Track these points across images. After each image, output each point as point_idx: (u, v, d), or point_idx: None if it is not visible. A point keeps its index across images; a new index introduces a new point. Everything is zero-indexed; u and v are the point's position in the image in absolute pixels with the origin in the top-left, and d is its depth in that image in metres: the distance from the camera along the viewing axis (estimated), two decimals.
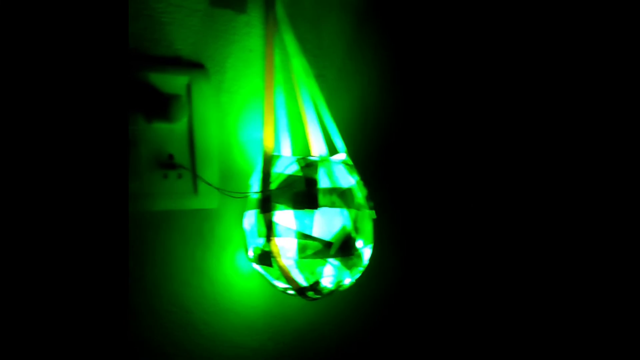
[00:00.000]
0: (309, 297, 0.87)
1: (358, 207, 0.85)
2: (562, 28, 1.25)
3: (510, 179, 1.23)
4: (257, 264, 0.85)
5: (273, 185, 0.83)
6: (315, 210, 0.82)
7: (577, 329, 1.25)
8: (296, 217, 0.82)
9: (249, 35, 0.94)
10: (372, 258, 0.91)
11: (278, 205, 0.83)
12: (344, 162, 0.88)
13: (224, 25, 0.91)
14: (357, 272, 0.87)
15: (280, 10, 0.93)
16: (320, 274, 0.83)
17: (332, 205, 0.83)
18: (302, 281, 0.84)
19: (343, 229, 0.83)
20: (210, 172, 0.88)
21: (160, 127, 0.85)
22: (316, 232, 0.82)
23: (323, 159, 0.86)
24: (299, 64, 0.91)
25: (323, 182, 0.84)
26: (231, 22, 0.92)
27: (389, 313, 1.09)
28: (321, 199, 0.83)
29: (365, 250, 0.87)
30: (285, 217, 0.82)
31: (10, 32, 0.70)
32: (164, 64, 0.86)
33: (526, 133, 1.24)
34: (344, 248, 0.83)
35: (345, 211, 0.83)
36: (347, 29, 1.04)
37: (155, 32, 0.85)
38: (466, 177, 1.19)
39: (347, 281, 0.86)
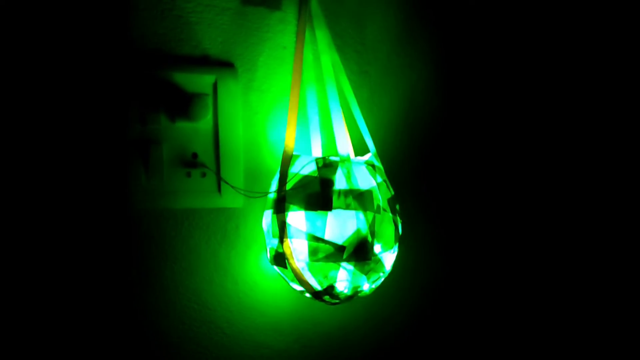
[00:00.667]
0: (328, 302, 0.84)
1: (377, 210, 0.81)
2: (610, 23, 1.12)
3: (562, 186, 1.13)
4: (273, 264, 0.84)
5: (289, 186, 0.82)
6: (328, 212, 0.79)
7: (602, 329, 1.12)
8: (307, 218, 0.80)
9: (283, 32, 0.92)
10: (405, 263, 0.87)
11: (291, 206, 0.81)
12: (368, 163, 0.84)
13: (256, 23, 0.90)
14: (377, 277, 0.83)
15: (314, 6, 0.91)
16: (334, 279, 0.81)
17: (347, 207, 0.80)
18: (316, 285, 0.81)
19: (357, 232, 0.80)
20: (234, 172, 0.88)
21: (185, 126, 0.85)
22: (328, 235, 0.79)
23: (344, 159, 0.83)
24: (328, 60, 0.89)
25: (339, 184, 0.81)
26: (264, 19, 0.91)
27: (424, 322, 1.04)
28: (335, 200, 0.80)
29: (385, 255, 0.83)
30: (297, 218, 0.81)
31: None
32: (190, 64, 0.87)
33: (582, 140, 1.13)
34: (358, 252, 0.80)
35: (360, 214, 0.80)
36: (394, 23, 1.00)
37: (182, 32, 0.86)
38: (512, 186, 1.10)
39: (366, 287, 0.83)
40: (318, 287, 0.82)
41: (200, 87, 0.87)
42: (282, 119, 0.92)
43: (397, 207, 0.86)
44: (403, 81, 1.01)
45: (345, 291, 0.82)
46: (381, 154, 0.98)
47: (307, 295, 0.84)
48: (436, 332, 1.05)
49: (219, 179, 0.87)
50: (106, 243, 0.82)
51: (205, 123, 0.87)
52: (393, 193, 0.86)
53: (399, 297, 1.01)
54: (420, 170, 1.02)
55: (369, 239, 0.80)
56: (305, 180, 0.81)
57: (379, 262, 0.82)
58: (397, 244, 0.86)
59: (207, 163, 0.87)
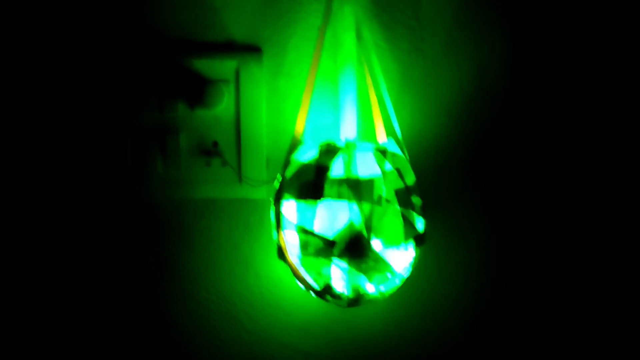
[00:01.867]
0: (338, 304, 0.77)
1: (377, 202, 0.72)
2: None
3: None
4: (279, 259, 0.79)
5: (289, 173, 0.76)
6: (318, 202, 0.72)
7: None
8: (298, 208, 0.74)
9: (317, 11, 0.87)
10: (457, 268, 0.76)
11: (286, 195, 0.75)
12: (378, 149, 0.75)
13: (286, 3, 0.86)
14: (385, 279, 0.74)
15: None
16: (329, 277, 0.73)
17: (340, 197, 0.72)
18: (313, 282, 0.75)
19: (350, 225, 0.71)
20: (256, 161, 0.85)
21: (205, 114, 0.84)
22: (317, 227, 0.72)
23: (349, 145, 0.75)
24: (351, 39, 0.81)
25: (336, 171, 0.73)
26: None
27: (472, 334, 0.89)
28: (327, 189, 0.73)
29: (391, 253, 0.73)
30: (290, 208, 0.75)
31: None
32: (212, 50, 0.85)
33: None
34: (351, 248, 0.72)
35: (354, 205, 0.71)
36: None
37: (206, 18, 0.85)
38: (591, 187, 0.89)
39: (371, 288, 0.74)
40: (315, 286, 0.74)
41: (221, 73, 0.85)
42: (315, 105, 0.86)
43: (415, 200, 0.75)
44: (467, 59, 0.88)
45: (345, 292, 0.74)
46: (432, 142, 0.87)
47: (312, 294, 0.77)
48: (493, 350, 0.90)
49: (240, 168, 0.83)
50: (124, 232, 0.84)
51: (226, 111, 0.84)
52: (409, 184, 0.75)
53: (449, 304, 0.88)
54: (479, 163, 0.88)
55: (364, 233, 0.71)
56: (303, 168, 0.75)
57: (380, 260, 0.72)
58: (412, 242, 0.74)
59: (227, 152, 0.84)
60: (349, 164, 0.73)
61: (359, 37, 0.82)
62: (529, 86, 0.88)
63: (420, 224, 0.75)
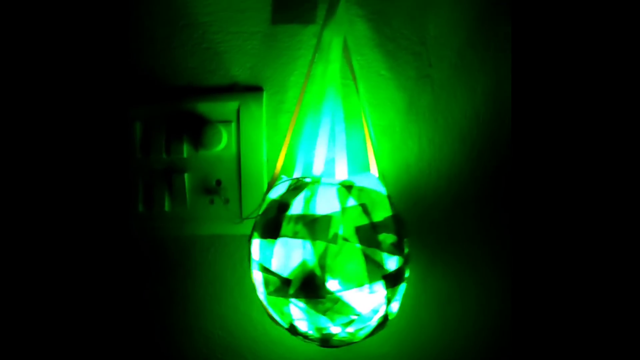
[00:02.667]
0: (320, 345, 0.76)
1: (332, 240, 0.71)
2: None
3: None
4: None
5: (261, 210, 0.78)
6: (275, 240, 0.73)
7: None
8: (260, 247, 0.75)
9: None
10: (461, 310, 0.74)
11: (255, 233, 0.77)
12: (343, 184, 0.74)
13: (286, 42, 0.88)
14: (350, 321, 0.72)
15: (341, 11, 0.84)
16: (290, 316, 0.73)
17: (295, 235, 0.72)
18: (280, 321, 0.75)
19: (303, 264, 0.71)
20: (257, 198, 0.87)
21: (209, 154, 0.88)
22: (274, 266, 0.73)
23: (315, 180, 0.75)
24: (334, 69, 0.81)
25: (295, 208, 0.73)
26: (296, 36, 0.88)
27: None
28: (284, 227, 0.73)
29: (351, 294, 0.71)
30: (255, 246, 0.76)
31: None
32: (216, 93, 0.89)
33: None
34: (305, 288, 0.71)
35: (308, 243, 0.71)
36: (468, 12, 0.84)
37: (212, 63, 0.90)
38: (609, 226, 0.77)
39: (336, 330, 0.72)
40: (283, 324, 0.75)
41: (224, 114, 0.88)
42: (314, 141, 0.86)
43: (384, 237, 0.72)
44: (481, 81, 0.83)
45: (310, 332, 0.73)
46: (444, 173, 0.83)
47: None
48: None
49: (241, 205, 0.86)
50: (133, 268, 0.90)
51: (228, 150, 0.87)
52: (376, 220, 0.72)
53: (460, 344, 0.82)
54: (498, 195, 0.82)
55: (318, 272, 0.70)
56: (269, 205, 0.76)
57: (338, 301, 0.70)
58: (381, 282, 0.71)
59: (230, 190, 0.87)
60: (308, 200, 0.72)
61: (350, 68, 0.81)
62: (550, 104, 0.80)
63: (392, 262, 0.71)
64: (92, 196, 0.91)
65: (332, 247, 0.69)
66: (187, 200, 0.88)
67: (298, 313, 0.71)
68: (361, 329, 0.72)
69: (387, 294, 0.71)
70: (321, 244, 0.69)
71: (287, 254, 0.71)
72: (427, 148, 0.83)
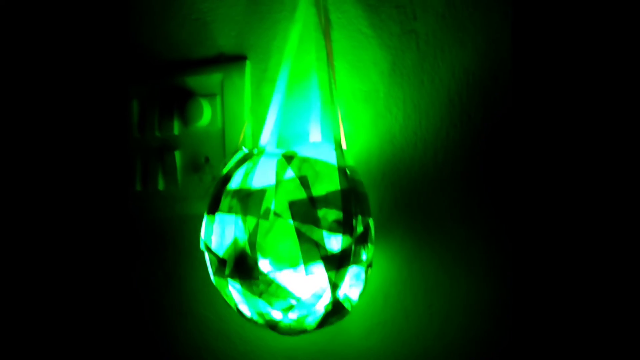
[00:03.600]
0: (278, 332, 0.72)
1: (264, 215, 0.65)
2: None
3: None
4: None
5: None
6: (214, 216, 0.69)
7: None
8: (205, 223, 0.71)
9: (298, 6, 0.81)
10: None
11: (205, 210, 0.73)
12: (285, 155, 0.68)
13: (268, 4, 0.82)
14: (287, 305, 0.66)
15: None
16: (231, 297, 0.69)
17: (229, 210, 0.67)
18: (230, 304, 0.71)
19: (235, 242, 0.66)
20: None
21: (198, 130, 0.86)
22: (213, 244, 0.69)
23: (260, 151, 0.70)
24: (296, 32, 0.75)
25: (235, 182, 0.69)
26: None
27: None
28: (222, 202, 0.69)
29: (286, 276, 0.65)
30: (203, 223, 0.73)
31: None
32: (202, 65, 0.87)
33: None
34: (238, 268, 0.66)
35: (239, 219, 0.66)
36: None
37: (200, 34, 0.87)
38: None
39: (277, 315, 0.67)
40: (233, 308, 0.71)
41: (209, 88, 0.85)
42: (296, 109, 0.80)
43: (325, 213, 0.64)
44: (472, 34, 0.72)
45: (255, 317, 0.68)
46: (430, 143, 0.73)
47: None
48: None
49: (214, 179, 0.83)
50: (128, 249, 0.90)
51: (214, 125, 0.84)
52: (317, 194, 0.65)
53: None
54: (490, 169, 0.70)
55: (248, 251, 0.65)
56: (218, 179, 0.72)
57: (272, 283, 0.64)
58: (321, 264, 0.64)
59: (218, 166, 0.84)
60: (247, 173, 0.66)
61: (324, 28, 0.74)
62: (549, 63, 0.67)
63: (335, 242, 0.63)
64: (91, 176, 0.91)
65: (263, 224, 0.63)
66: (178, 179, 0.85)
67: (237, 296, 0.65)
68: (306, 316, 0.65)
69: (331, 277, 0.62)
70: (252, 220, 0.63)
71: (222, 231, 0.65)
72: (412, 114, 0.73)
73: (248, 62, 0.82)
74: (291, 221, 0.62)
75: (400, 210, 0.73)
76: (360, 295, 0.68)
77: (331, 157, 0.66)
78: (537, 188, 0.65)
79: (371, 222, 0.67)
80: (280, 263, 0.62)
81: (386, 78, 0.75)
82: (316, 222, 0.62)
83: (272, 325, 0.66)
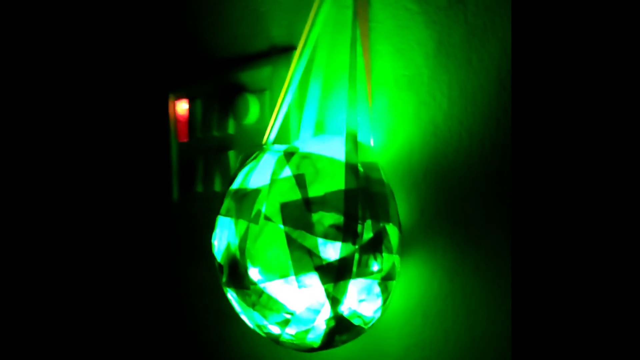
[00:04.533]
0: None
1: (254, 219, 0.60)
2: None
3: None
4: None
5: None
6: (218, 218, 0.65)
7: None
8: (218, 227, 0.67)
9: None
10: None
11: None
12: (287, 151, 0.62)
13: None
14: (284, 320, 0.59)
15: None
16: (234, 307, 0.65)
17: (227, 213, 0.63)
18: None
19: (227, 248, 0.62)
20: None
21: (250, 127, 0.82)
22: (215, 249, 0.65)
23: (267, 148, 0.65)
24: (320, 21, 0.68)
25: (237, 181, 0.64)
26: None
27: None
28: (223, 204, 0.65)
29: (274, 286, 0.59)
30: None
31: None
32: (256, 60, 0.83)
33: None
34: (231, 276, 0.62)
35: (232, 223, 0.62)
36: None
37: (255, 26, 0.83)
38: None
39: (274, 330, 0.61)
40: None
41: (259, 83, 0.81)
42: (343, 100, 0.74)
43: (321, 217, 0.57)
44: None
45: (256, 330, 0.63)
46: (475, 133, 0.62)
47: None
48: None
49: None
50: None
51: (263, 121, 0.80)
52: (314, 195, 0.58)
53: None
54: (550, 162, 0.58)
55: (238, 258, 0.60)
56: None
57: (262, 294, 0.59)
58: (316, 275, 0.57)
59: None
60: (249, 172, 0.61)
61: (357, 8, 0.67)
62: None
63: (332, 250, 0.56)
64: (152, 178, 0.91)
65: (253, 228, 0.56)
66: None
67: (236, 305, 0.60)
68: (306, 331, 0.57)
69: (328, 289, 0.54)
70: (243, 224, 0.57)
71: (220, 235, 0.60)
72: (457, 100, 0.62)
73: (296, 53, 0.74)
74: (281, 226, 0.54)
75: (442, 215, 0.62)
76: (393, 312, 0.61)
77: (336, 152, 0.56)
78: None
79: (390, 227, 0.57)
80: (270, 272, 0.55)
81: (431, 60, 0.64)
82: (308, 227, 0.54)
83: (274, 340, 0.59)
